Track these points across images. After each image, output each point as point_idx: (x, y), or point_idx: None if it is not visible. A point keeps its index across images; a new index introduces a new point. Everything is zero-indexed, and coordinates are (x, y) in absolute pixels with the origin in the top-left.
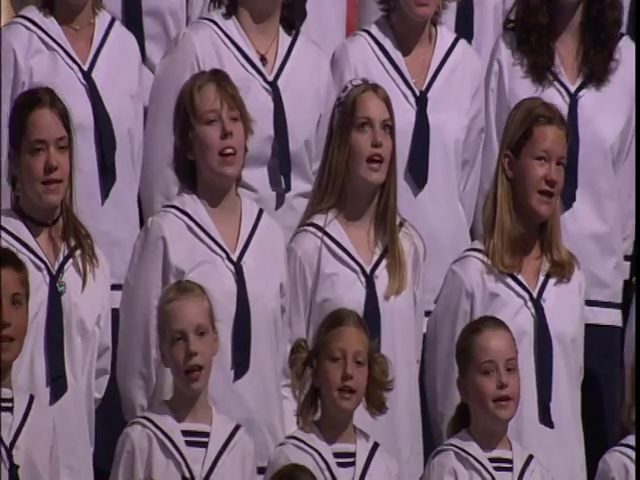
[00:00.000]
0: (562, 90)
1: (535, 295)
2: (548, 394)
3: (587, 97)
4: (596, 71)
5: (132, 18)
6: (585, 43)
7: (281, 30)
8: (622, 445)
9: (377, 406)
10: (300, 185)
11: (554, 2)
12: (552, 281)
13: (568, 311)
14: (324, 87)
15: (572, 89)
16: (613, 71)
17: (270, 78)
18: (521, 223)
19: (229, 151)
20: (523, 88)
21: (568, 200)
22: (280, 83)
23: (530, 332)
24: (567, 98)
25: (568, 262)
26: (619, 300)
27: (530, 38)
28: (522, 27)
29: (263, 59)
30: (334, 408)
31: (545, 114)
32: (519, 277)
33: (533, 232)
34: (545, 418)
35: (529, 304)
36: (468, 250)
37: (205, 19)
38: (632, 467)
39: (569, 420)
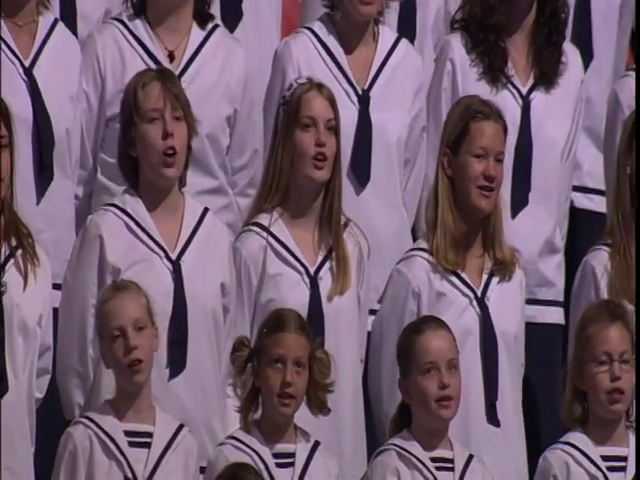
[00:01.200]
0: (515, 92)
1: (479, 294)
2: (495, 393)
3: (538, 99)
4: (547, 73)
5: (66, 22)
6: (536, 44)
7: (194, 25)
8: (563, 442)
9: (318, 406)
10: (204, 182)
11: (508, 2)
12: (495, 279)
13: (510, 309)
14: (237, 82)
15: (524, 91)
16: (561, 73)
17: (175, 73)
18: (463, 220)
19: (170, 152)
20: (476, 89)
21: (521, 203)
22: (185, 79)
23: (475, 331)
24: (519, 100)
25: (510, 260)
26: (562, 299)
27: (488, 38)
28: (479, 27)
29: (171, 55)
30: (274, 412)
31: (481, 110)
32: (464, 276)
33: (475, 229)
34: (492, 417)
35: (474, 303)
36: (413, 249)
37: (113, 19)
38: (574, 465)
39: (512, 418)
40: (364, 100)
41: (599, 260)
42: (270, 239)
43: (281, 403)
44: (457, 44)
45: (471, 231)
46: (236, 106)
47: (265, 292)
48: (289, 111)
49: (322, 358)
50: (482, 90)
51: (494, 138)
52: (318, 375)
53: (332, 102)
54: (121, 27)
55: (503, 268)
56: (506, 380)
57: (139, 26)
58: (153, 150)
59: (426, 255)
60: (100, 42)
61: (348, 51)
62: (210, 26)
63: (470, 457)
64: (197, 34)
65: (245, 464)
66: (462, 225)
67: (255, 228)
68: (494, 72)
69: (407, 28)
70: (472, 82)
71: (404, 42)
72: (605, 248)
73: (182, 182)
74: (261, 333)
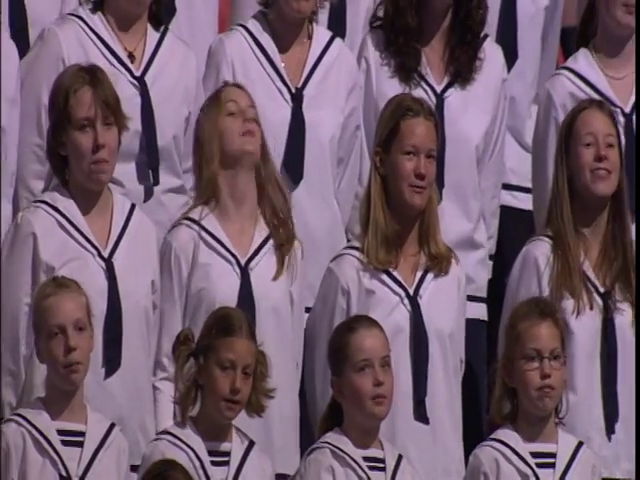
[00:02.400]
0: (429, 90)
1: (411, 292)
2: (423, 390)
3: (453, 97)
4: (462, 70)
5: (17, 29)
6: (451, 44)
7: (149, 27)
8: (493, 440)
9: (257, 410)
10: (170, 181)
11: (423, 5)
12: (430, 277)
13: (445, 306)
14: (192, 85)
15: (438, 89)
16: (478, 70)
17: (137, 74)
18: (395, 219)
19: (101, 162)
20: (390, 87)
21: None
22: (147, 78)
23: (406, 328)
24: (433, 98)
25: (446, 256)
26: (484, 294)
27: (398, 39)
28: (390, 28)
29: (131, 56)
30: (217, 414)
31: (412, 107)
32: (395, 274)
33: (408, 228)
34: (420, 414)
35: (405, 301)
36: (345, 248)
37: (71, 15)
38: (503, 462)
39: (445, 415)
40: (297, 99)
41: (542, 251)
42: (201, 232)
43: (228, 408)
44: (372, 43)
45: (404, 229)
46: (190, 108)
47: (195, 282)
48: (210, 103)
49: (262, 360)
50: (396, 88)
51: (425, 135)
52: (260, 380)
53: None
54: (81, 23)
55: (438, 263)
56: (439, 377)
57: (99, 24)
58: (84, 160)
59: (357, 253)
60: (63, 37)
61: (282, 50)
62: (162, 28)
63: (400, 457)
64: (153, 36)
65: (173, 461)
66: (394, 224)
67: (185, 221)
68: (406, 71)
69: (337, 27)
70: (385, 80)
71: (338, 41)
72: (547, 239)
73: (156, 180)
74: (209, 332)
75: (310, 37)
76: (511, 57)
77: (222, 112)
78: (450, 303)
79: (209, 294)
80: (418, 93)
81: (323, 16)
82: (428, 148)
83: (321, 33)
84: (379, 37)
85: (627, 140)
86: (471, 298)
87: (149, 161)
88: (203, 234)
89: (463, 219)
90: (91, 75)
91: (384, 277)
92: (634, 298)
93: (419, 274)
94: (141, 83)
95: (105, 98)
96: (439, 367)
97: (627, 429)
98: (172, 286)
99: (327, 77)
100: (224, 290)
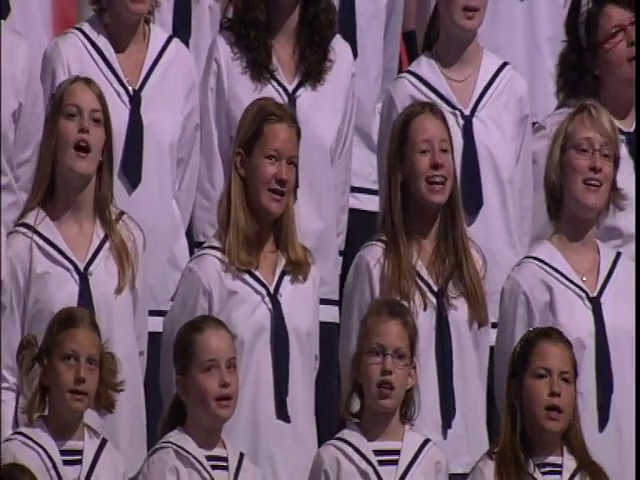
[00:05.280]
0: (280, 89)
1: (272, 290)
2: (285, 389)
3: (304, 96)
4: (312, 70)
5: None
6: (301, 43)
7: None
8: (336, 439)
9: (106, 406)
10: None
11: (271, 0)
12: (288, 276)
13: (303, 305)
14: (20, 75)
15: (290, 88)
16: (328, 71)
17: None
18: (255, 220)
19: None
20: (242, 87)
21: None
22: None
23: (267, 327)
24: (285, 97)
25: (304, 260)
26: (336, 297)
27: (249, 34)
28: (241, 23)
29: None
30: (64, 409)
31: (275, 112)
32: (256, 273)
33: (268, 229)
34: (282, 413)
35: (267, 299)
36: (204, 248)
37: None
38: (344, 460)
39: (304, 414)
40: (135, 100)
41: (373, 255)
42: (36, 238)
43: (74, 399)
44: (222, 43)
45: (264, 230)
46: (21, 99)
47: (33, 293)
48: (54, 103)
49: (110, 360)
50: (247, 86)
51: (287, 141)
52: (108, 373)
53: (99, 96)
54: None
55: (297, 268)
56: (298, 376)
57: None
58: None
59: (218, 254)
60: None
61: (119, 51)
62: None
63: (242, 456)
64: None
65: (21, 465)
66: (255, 225)
67: (21, 229)
68: (258, 68)
69: (182, 27)
70: (237, 79)
71: (175, 41)
72: (379, 244)
73: None
74: (51, 330)
75: (147, 38)
76: (352, 54)
77: (61, 113)
78: (307, 301)
79: (47, 305)
80: (269, 91)
81: (167, 17)
82: (290, 154)
83: (158, 34)
84: (229, 37)
85: (466, 142)
86: (325, 301)
87: None
88: (39, 241)
89: (317, 219)
90: None
91: (246, 277)
92: (468, 292)
93: (278, 273)
94: None
95: None
96: (298, 366)
97: (466, 423)
98: (11, 297)
99: (165, 78)
100: (62, 300)
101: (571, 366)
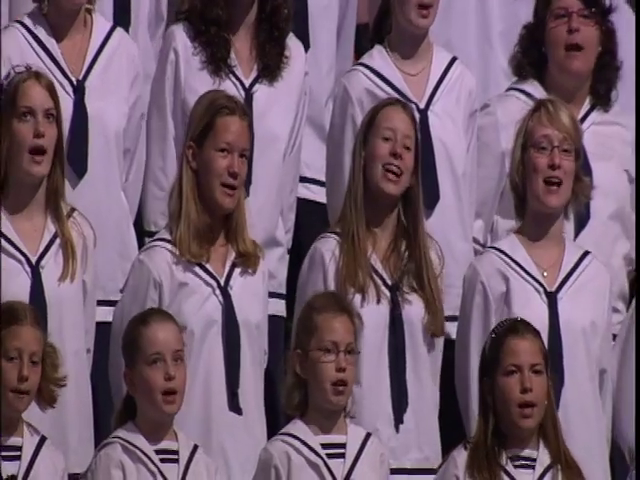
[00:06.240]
0: (237, 84)
1: (222, 283)
2: (237, 381)
3: (261, 92)
4: (269, 66)
5: None
6: (259, 39)
7: None
8: (283, 433)
9: (48, 401)
10: None
11: None
12: (238, 268)
13: (253, 297)
14: None
15: (247, 83)
16: (284, 67)
17: None
18: (207, 213)
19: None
20: (199, 80)
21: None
22: None
23: (218, 320)
24: (242, 92)
25: (253, 253)
26: (283, 291)
27: (209, 30)
28: (200, 19)
29: None
30: (6, 407)
31: (227, 105)
32: (207, 266)
33: (219, 221)
34: (234, 405)
35: (217, 292)
36: (155, 240)
37: None
38: (294, 454)
39: (254, 406)
40: (79, 90)
41: (328, 247)
42: None
43: (16, 398)
44: (180, 34)
45: (215, 223)
46: None
47: None
48: (7, 100)
49: (52, 355)
50: (205, 80)
51: (239, 134)
52: (50, 369)
53: (51, 91)
54: None
55: (246, 261)
56: (248, 368)
57: None
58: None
59: (169, 245)
60: None
61: (60, 41)
62: None
63: (195, 447)
64: None
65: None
66: (206, 218)
67: None
68: (217, 63)
69: (122, 17)
70: (195, 72)
71: (118, 31)
72: (334, 236)
73: None
74: None
75: (89, 28)
76: (303, 46)
77: (14, 114)
78: (257, 295)
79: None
80: (227, 86)
81: (108, 7)
82: (242, 147)
83: (101, 23)
84: (187, 29)
85: (422, 135)
86: (272, 294)
87: None
88: None
89: (267, 215)
90: None
91: (196, 269)
92: (426, 296)
93: (228, 265)
94: None
95: None
96: (248, 358)
97: (417, 419)
98: None
99: (109, 67)
100: (14, 292)
101: (541, 356)
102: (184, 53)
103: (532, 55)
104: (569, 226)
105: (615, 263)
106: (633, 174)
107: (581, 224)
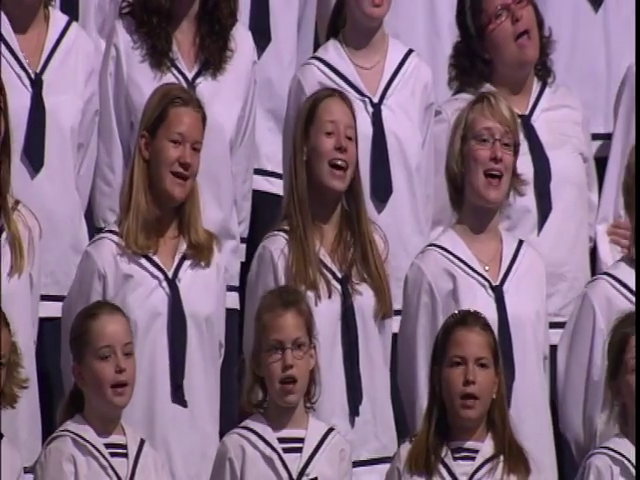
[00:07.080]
0: (180, 77)
1: (170, 275)
2: (181, 373)
3: (204, 84)
4: (212, 59)
5: None
6: (201, 32)
7: None
8: (241, 427)
9: (9, 401)
10: None
11: None
12: (189, 261)
13: (204, 290)
14: None
15: (190, 76)
16: (228, 60)
17: None
18: (157, 204)
19: None
20: (141, 73)
21: None
22: None
23: (164, 312)
24: (185, 85)
25: (207, 244)
26: (236, 284)
27: (151, 21)
28: (143, 9)
29: None
30: None
31: (181, 96)
32: (154, 258)
33: (169, 213)
34: (178, 397)
35: (164, 284)
36: (104, 232)
37: None
38: (249, 447)
39: (203, 399)
40: (37, 84)
41: (276, 246)
42: None
43: None
44: (121, 29)
45: (165, 215)
46: None
47: None
48: None
49: (16, 352)
50: (147, 73)
51: (192, 126)
52: (13, 368)
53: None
54: None
55: (198, 253)
56: (197, 361)
57: None
58: None
59: (115, 237)
60: None
61: (19, 33)
62: None
63: (142, 441)
64: None
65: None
66: (155, 209)
67: None
68: (158, 55)
69: (70, 9)
70: (136, 66)
71: (75, 26)
72: (282, 233)
73: None
74: None
75: (47, 21)
76: (264, 39)
77: None
78: (208, 287)
79: None
80: (169, 79)
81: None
82: (194, 139)
83: (58, 17)
84: (129, 23)
85: (375, 130)
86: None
87: None
88: None
89: (216, 208)
90: None
91: (142, 261)
92: (373, 280)
93: (178, 257)
94: None
95: None
96: (197, 351)
97: (373, 408)
98: None
99: (65, 62)
100: None
101: (489, 350)
102: (125, 47)
103: (477, 67)
104: (532, 218)
105: (579, 250)
106: (586, 154)
107: (544, 215)
